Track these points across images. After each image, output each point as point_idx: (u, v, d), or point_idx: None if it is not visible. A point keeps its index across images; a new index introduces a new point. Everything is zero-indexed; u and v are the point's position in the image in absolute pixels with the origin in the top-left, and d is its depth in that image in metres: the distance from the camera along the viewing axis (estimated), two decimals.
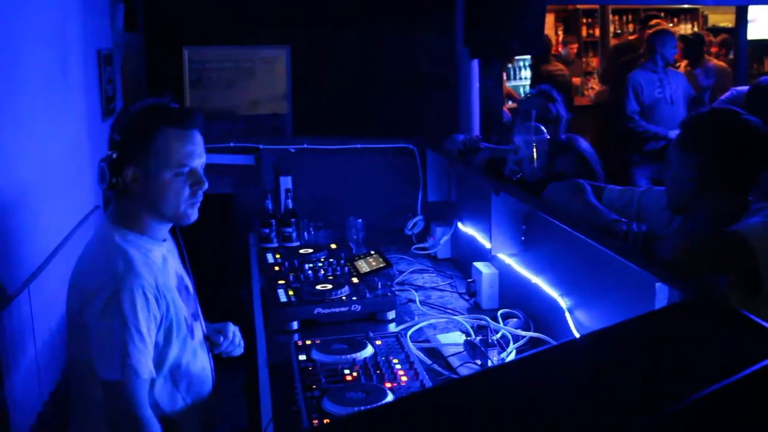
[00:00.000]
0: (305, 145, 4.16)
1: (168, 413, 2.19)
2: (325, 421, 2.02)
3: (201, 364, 2.31)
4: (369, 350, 2.45)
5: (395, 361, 2.38)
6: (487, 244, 3.26)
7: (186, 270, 2.38)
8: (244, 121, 5.29)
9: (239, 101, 5.28)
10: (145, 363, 2.07)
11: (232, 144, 4.25)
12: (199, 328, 2.35)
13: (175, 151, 2.13)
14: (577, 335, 2.41)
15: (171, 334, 2.17)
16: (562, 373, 1.23)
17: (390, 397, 2.11)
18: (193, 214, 2.23)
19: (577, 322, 2.45)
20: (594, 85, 9.33)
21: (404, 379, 2.26)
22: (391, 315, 2.94)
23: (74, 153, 3.33)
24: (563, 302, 2.54)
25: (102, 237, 2.20)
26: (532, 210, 2.74)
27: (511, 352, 2.54)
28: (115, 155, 2.13)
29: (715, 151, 2.37)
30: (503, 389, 1.21)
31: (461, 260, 3.68)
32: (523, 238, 2.91)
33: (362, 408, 2.04)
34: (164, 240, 2.28)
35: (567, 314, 2.49)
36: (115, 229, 2.17)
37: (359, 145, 4.15)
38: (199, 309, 2.39)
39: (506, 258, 2.99)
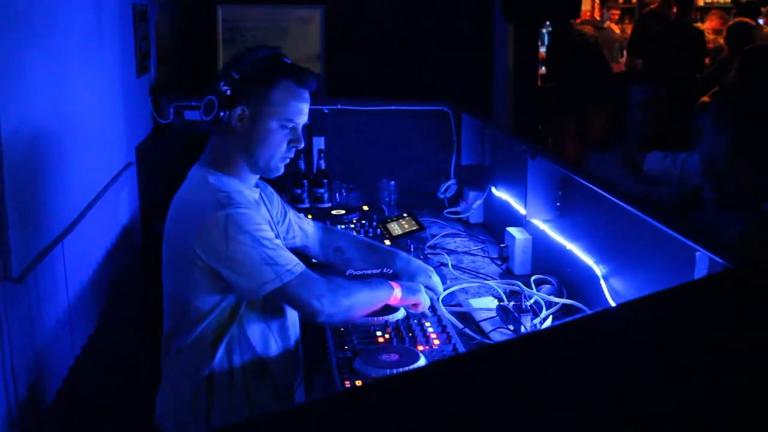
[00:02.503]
0: (339, 106, 4.13)
1: (260, 353, 2.22)
2: (357, 382, 2.01)
3: (292, 312, 2.32)
4: (401, 313, 2.44)
5: (427, 324, 2.37)
6: (522, 210, 3.23)
7: (276, 224, 2.40)
8: None
9: None
10: (291, 258, 2.12)
11: None
12: None
13: (289, 105, 2.17)
14: (613, 303, 2.37)
15: None
16: (597, 343, 1.21)
17: (422, 360, 2.10)
18: (281, 170, 2.25)
19: (612, 290, 2.41)
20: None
21: (437, 342, 2.24)
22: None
23: (108, 109, 3.32)
24: (598, 269, 2.50)
25: (196, 181, 2.21)
26: (569, 175, 2.70)
27: (545, 319, 2.52)
28: (229, 92, 2.15)
29: (748, 128, 2.32)
30: (537, 357, 1.19)
31: (494, 225, 3.64)
32: (558, 203, 2.87)
33: (395, 370, 2.03)
34: (256, 186, 2.29)
35: (602, 282, 2.46)
36: (208, 172, 2.19)
37: (393, 107, 4.11)
38: None
39: (540, 224, 2.95)
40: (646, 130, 3.55)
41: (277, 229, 2.33)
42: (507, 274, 3.11)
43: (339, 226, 3.29)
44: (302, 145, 2.24)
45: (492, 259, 3.28)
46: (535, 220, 2.95)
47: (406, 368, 2.05)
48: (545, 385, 1.11)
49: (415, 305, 2.37)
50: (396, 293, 2.30)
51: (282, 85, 2.16)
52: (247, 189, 2.23)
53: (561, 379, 1.12)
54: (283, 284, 2.07)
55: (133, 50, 3.79)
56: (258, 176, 2.28)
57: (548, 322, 2.50)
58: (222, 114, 2.16)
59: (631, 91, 3.64)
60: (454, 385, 1.13)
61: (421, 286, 2.41)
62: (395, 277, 2.52)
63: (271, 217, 2.37)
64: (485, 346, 2.20)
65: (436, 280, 2.52)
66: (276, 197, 2.51)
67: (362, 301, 2.23)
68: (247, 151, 2.19)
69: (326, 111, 4.16)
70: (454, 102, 4.04)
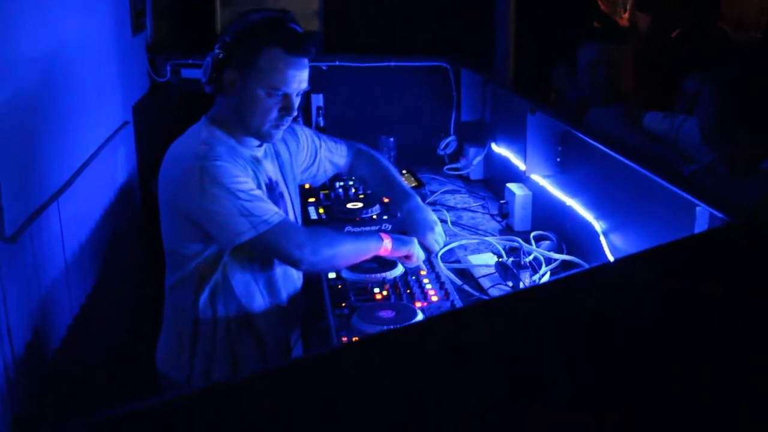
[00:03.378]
0: (337, 63, 4.08)
1: (244, 304, 2.23)
2: (354, 339, 2.00)
3: (284, 268, 2.30)
4: (399, 269, 2.42)
5: (426, 281, 2.35)
6: (522, 166, 3.20)
7: (285, 179, 2.38)
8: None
9: None
10: (269, 209, 2.09)
11: None
12: None
13: (275, 73, 2.10)
14: (612, 259, 2.36)
15: None
16: (594, 298, 1.19)
17: (420, 317, 2.08)
18: (276, 135, 2.21)
19: (612, 246, 2.40)
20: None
21: (434, 299, 2.23)
22: None
23: (103, 68, 3.28)
24: (598, 225, 2.48)
25: (191, 132, 2.21)
26: (569, 131, 2.66)
27: (544, 275, 2.50)
28: (221, 55, 2.13)
29: (743, 91, 2.26)
30: (533, 313, 1.17)
31: (494, 181, 3.62)
32: (558, 159, 2.84)
33: (391, 327, 2.02)
34: (257, 146, 2.25)
35: (602, 237, 2.44)
36: (205, 126, 2.19)
37: (392, 63, 4.06)
38: (294, 219, 2.38)
39: (540, 180, 2.92)
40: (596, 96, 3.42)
41: (285, 182, 2.35)
42: (507, 230, 3.09)
43: (338, 183, 3.27)
44: (293, 114, 2.18)
45: (492, 215, 3.26)
46: (534, 175, 2.93)
47: (403, 325, 2.03)
48: (540, 342, 1.09)
49: (407, 257, 2.34)
50: (386, 244, 2.27)
51: (270, 51, 2.10)
52: (245, 148, 2.22)
53: (556, 335, 1.10)
54: (258, 234, 2.07)
55: (128, 8, 3.74)
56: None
57: (547, 278, 2.48)
58: (215, 76, 2.14)
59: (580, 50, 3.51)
60: (449, 340, 1.12)
61: (415, 239, 2.37)
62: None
63: (283, 172, 2.36)
64: (481, 301, 2.19)
65: (432, 239, 2.42)
66: (303, 140, 2.50)
67: (347, 250, 2.21)
68: (238, 115, 2.17)
69: (324, 68, 4.11)
70: (455, 56, 3.99)
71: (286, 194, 2.37)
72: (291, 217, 2.36)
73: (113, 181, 3.28)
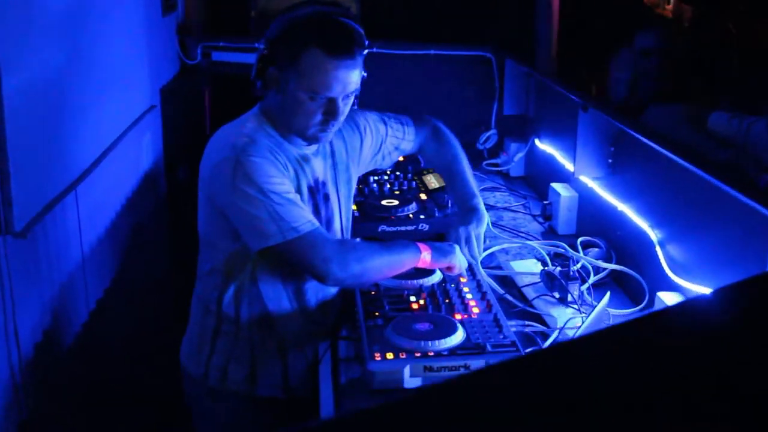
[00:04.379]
0: (375, 49, 3.85)
1: (270, 310, 2.09)
2: (387, 354, 1.84)
3: None
4: (437, 276, 2.25)
5: (466, 289, 2.17)
6: (568, 164, 3.01)
7: (337, 179, 2.22)
8: None
9: None
10: (301, 216, 1.94)
11: None
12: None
13: (316, 77, 1.92)
14: (669, 272, 2.16)
15: None
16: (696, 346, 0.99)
17: (460, 332, 1.91)
18: (324, 137, 2.05)
19: (669, 258, 2.20)
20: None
21: (476, 310, 2.05)
22: None
23: (130, 49, 3.13)
24: (654, 234, 2.29)
25: (240, 119, 2.07)
26: (623, 130, 2.47)
27: (593, 285, 2.31)
28: (266, 51, 1.98)
29: None
30: (622, 364, 0.98)
31: (536, 180, 3.43)
32: (610, 160, 2.65)
33: (429, 342, 1.85)
34: (308, 145, 2.09)
35: (658, 248, 2.25)
36: (255, 116, 2.06)
37: (432, 51, 3.87)
38: (339, 221, 2.23)
39: (589, 181, 2.73)
40: (648, 84, 3.25)
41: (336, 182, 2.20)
42: (550, 233, 2.91)
43: (372, 177, 3.10)
44: (339, 119, 2.00)
45: (534, 216, 3.07)
46: (583, 177, 2.73)
47: (442, 340, 1.86)
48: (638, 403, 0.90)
49: (449, 268, 2.19)
50: (425, 257, 2.12)
51: (310, 53, 1.91)
52: (292, 146, 2.06)
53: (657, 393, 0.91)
54: (285, 241, 1.91)
55: None
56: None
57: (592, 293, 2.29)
58: (261, 73, 2.00)
59: (636, 37, 3.32)
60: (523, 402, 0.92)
61: (456, 247, 2.21)
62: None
63: (335, 171, 2.21)
64: (559, 345, 1.98)
65: (468, 253, 2.27)
66: (366, 133, 2.35)
67: (380, 265, 2.05)
68: (283, 115, 2.02)
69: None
70: (500, 46, 3.79)
71: (333, 195, 2.20)
72: (336, 220, 2.21)
73: (137, 168, 3.14)
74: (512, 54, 3.65)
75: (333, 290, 2.19)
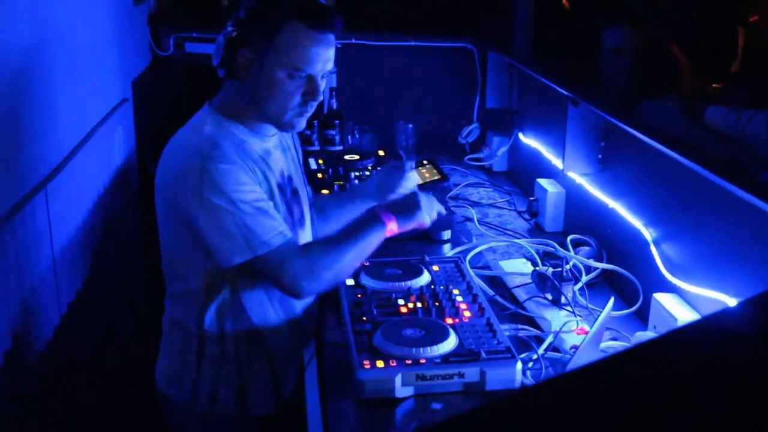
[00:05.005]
0: (353, 41, 3.80)
1: (256, 323, 1.97)
2: (377, 362, 1.75)
3: None
4: (426, 277, 2.17)
5: (456, 291, 2.09)
6: (554, 159, 2.95)
7: (300, 172, 2.15)
8: None
9: None
10: (272, 227, 1.83)
11: None
12: (304, 239, 2.07)
13: (298, 52, 1.82)
14: (666, 272, 2.09)
15: None
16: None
17: (453, 337, 1.82)
18: (299, 124, 1.94)
19: (664, 257, 2.13)
20: None
21: (467, 314, 1.97)
22: (447, 235, 2.65)
23: (101, 40, 3.00)
24: (648, 233, 2.22)
25: (193, 124, 1.94)
26: (614, 124, 2.39)
27: (585, 286, 2.24)
28: (234, 33, 1.85)
29: None
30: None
31: (520, 175, 3.36)
32: (600, 156, 2.58)
33: (421, 349, 1.77)
34: (272, 135, 1.99)
35: (652, 247, 2.18)
36: (211, 116, 1.92)
37: (412, 43, 3.78)
38: (306, 218, 2.12)
39: (577, 177, 2.66)
40: (619, 83, 3.18)
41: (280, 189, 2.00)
42: (536, 230, 2.84)
43: (353, 173, 3.00)
44: (319, 99, 1.91)
45: (519, 213, 3.00)
46: (572, 173, 2.65)
47: (434, 346, 1.78)
48: None
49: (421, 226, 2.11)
50: (391, 227, 2.02)
51: (290, 27, 1.82)
52: (257, 139, 1.95)
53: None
54: (255, 257, 1.81)
55: None
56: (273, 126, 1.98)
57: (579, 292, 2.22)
58: (228, 57, 1.87)
59: (603, 35, 3.25)
60: None
61: (420, 199, 2.11)
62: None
63: (293, 161, 2.13)
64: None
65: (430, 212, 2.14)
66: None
67: (350, 260, 1.94)
68: (256, 102, 1.90)
69: (338, 46, 3.81)
70: (481, 37, 3.69)
71: (300, 188, 2.11)
72: (307, 214, 2.11)
73: (109, 163, 3.01)
74: (494, 45, 3.56)
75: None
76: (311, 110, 1.93)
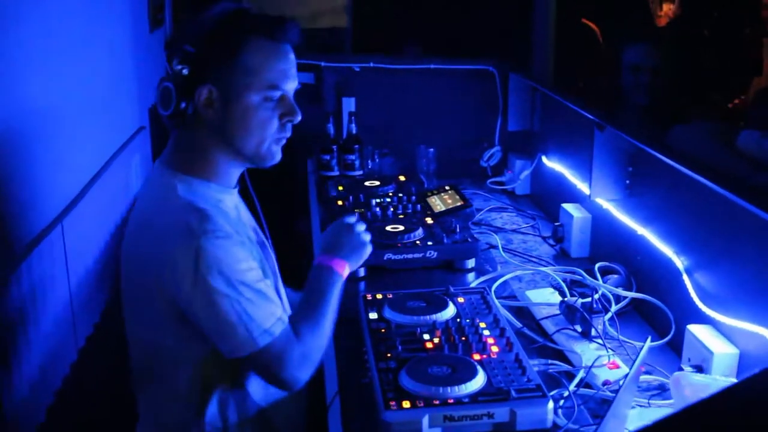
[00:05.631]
0: (371, 64, 3.76)
1: (261, 404, 1.82)
2: (403, 403, 1.68)
3: None
4: (451, 310, 2.10)
5: (482, 325, 2.03)
6: (578, 183, 2.89)
7: (262, 222, 1.96)
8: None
9: (298, 12, 4.86)
10: (271, 312, 1.66)
11: None
12: (281, 289, 1.92)
13: (267, 69, 1.67)
14: (699, 303, 2.02)
15: None
16: None
17: (481, 375, 1.76)
18: (278, 154, 1.75)
19: (698, 288, 2.06)
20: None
21: (495, 349, 1.90)
22: (471, 263, 2.59)
23: (118, 67, 2.98)
24: (679, 261, 2.15)
25: (161, 190, 1.70)
26: (641, 149, 2.32)
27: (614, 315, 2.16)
28: (185, 71, 1.64)
29: None
30: None
31: (544, 199, 3.29)
32: (628, 181, 2.51)
33: (449, 388, 1.70)
34: (236, 187, 1.80)
35: (685, 276, 2.11)
36: (175, 177, 1.69)
37: (432, 66, 3.72)
38: (276, 267, 1.92)
39: (604, 202, 2.59)
40: (639, 99, 3.15)
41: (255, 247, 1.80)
42: (562, 255, 2.77)
43: (374, 200, 2.95)
44: (299, 118, 1.73)
45: (544, 238, 2.93)
46: (599, 199, 2.59)
47: (462, 385, 1.71)
48: None
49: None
50: (345, 272, 1.89)
51: (251, 45, 1.65)
52: (228, 194, 1.76)
53: None
54: (257, 350, 1.63)
55: (146, 1, 3.44)
56: (244, 168, 1.81)
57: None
58: (183, 104, 1.65)
59: (623, 53, 3.21)
60: None
61: (359, 238, 1.97)
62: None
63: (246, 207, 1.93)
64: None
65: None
66: None
67: (329, 327, 1.79)
68: (225, 143, 1.70)
69: (357, 69, 3.79)
70: (502, 59, 3.64)
71: (266, 243, 1.91)
72: (272, 268, 1.87)
73: (126, 192, 2.98)
74: (516, 67, 3.51)
75: None
76: (289, 134, 1.76)
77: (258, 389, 1.80)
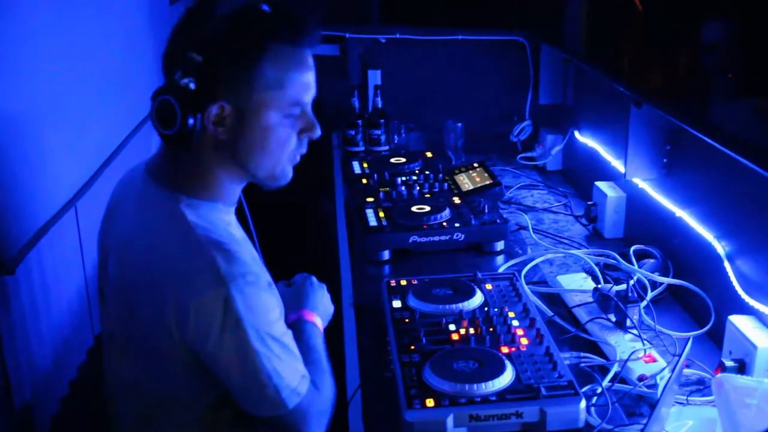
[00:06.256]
0: (398, 35, 3.64)
1: None
2: (427, 401, 1.60)
3: None
4: (479, 298, 2.01)
5: (511, 314, 1.93)
6: (612, 161, 2.77)
7: (253, 237, 1.76)
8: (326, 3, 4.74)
9: None
10: (296, 369, 1.52)
11: None
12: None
13: (289, 83, 1.46)
14: (741, 291, 1.91)
15: None
16: None
17: (509, 371, 1.67)
18: (290, 174, 1.57)
19: (739, 275, 1.94)
20: None
21: (524, 341, 1.81)
22: (500, 246, 2.49)
23: (133, 46, 2.88)
24: (720, 247, 2.03)
25: (165, 219, 1.49)
26: (681, 127, 2.19)
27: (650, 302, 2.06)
28: (193, 85, 1.40)
29: None
30: None
31: (577, 175, 3.18)
32: (665, 160, 2.39)
33: (475, 386, 1.61)
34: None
35: (726, 263, 1.99)
36: (179, 201, 1.49)
37: (460, 36, 3.59)
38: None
39: (639, 182, 2.47)
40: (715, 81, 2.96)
41: None
42: (595, 236, 2.66)
43: (399, 178, 2.85)
44: (319, 133, 1.55)
45: (576, 217, 2.82)
46: (635, 178, 2.47)
47: (489, 382, 1.62)
48: None
49: None
50: (320, 325, 1.78)
51: (272, 53, 1.43)
52: (232, 213, 1.59)
53: None
54: (287, 412, 1.50)
55: None
56: (244, 185, 1.61)
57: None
58: (191, 122, 1.41)
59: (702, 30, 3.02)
60: None
61: (318, 297, 1.84)
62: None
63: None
64: None
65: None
66: None
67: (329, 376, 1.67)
68: (235, 163, 1.51)
69: (383, 41, 3.67)
70: (534, 30, 3.51)
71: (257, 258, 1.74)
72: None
73: None
74: (548, 38, 3.38)
75: None
76: (306, 150, 1.58)
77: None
